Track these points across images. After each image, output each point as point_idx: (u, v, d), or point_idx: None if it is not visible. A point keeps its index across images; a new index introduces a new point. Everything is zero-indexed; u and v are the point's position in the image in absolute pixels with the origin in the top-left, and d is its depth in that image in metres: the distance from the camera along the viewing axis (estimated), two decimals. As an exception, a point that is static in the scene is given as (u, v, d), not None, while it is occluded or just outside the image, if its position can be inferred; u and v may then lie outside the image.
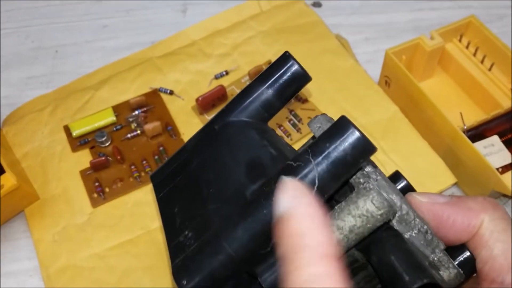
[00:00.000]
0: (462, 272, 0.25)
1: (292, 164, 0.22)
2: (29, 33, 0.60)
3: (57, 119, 0.51)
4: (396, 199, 0.24)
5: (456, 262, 0.26)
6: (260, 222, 0.21)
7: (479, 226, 0.25)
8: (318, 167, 0.21)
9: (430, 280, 0.22)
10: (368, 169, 0.24)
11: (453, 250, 0.26)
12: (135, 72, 0.54)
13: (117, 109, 0.51)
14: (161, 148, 0.49)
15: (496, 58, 0.50)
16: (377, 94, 0.51)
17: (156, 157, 0.48)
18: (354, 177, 0.23)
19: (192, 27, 0.57)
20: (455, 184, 0.47)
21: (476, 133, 0.47)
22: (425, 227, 0.25)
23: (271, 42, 0.55)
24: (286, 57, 0.27)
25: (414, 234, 0.25)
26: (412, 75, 0.48)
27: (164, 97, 0.52)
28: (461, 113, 0.48)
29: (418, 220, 0.25)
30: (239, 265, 0.22)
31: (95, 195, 0.46)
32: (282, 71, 0.26)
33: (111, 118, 0.50)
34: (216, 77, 0.53)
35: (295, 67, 0.26)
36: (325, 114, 0.27)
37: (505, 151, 0.45)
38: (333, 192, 0.22)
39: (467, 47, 0.52)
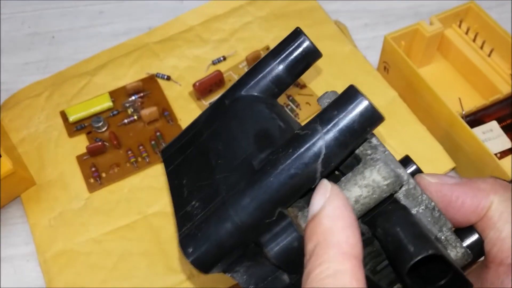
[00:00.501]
0: (469, 252, 0.25)
1: (300, 132, 0.22)
2: (24, 18, 0.60)
3: (53, 105, 0.51)
4: (403, 172, 0.24)
5: (464, 244, 0.25)
6: (266, 190, 0.21)
7: (488, 207, 0.25)
8: (326, 135, 0.21)
9: (435, 252, 0.21)
10: (376, 142, 0.24)
11: (461, 232, 0.26)
12: (132, 57, 0.54)
13: (114, 94, 0.51)
14: (158, 134, 0.48)
15: (495, 44, 0.50)
16: (376, 80, 0.51)
17: (152, 142, 0.48)
18: (361, 149, 0.23)
19: (189, 12, 0.56)
20: (453, 169, 0.46)
21: (475, 119, 0.47)
22: (433, 203, 0.24)
23: (269, 28, 0.55)
24: (297, 33, 0.26)
25: (421, 210, 0.24)
26: (411, 61, 0.47)
27: (161, 82, 0.52)
28: (459, 99, 0.48)
29: (425, 196, 0.24)
30: (245, 234, 0.22)
31: (92, 180, 0.46)
32: (293, 47, 0.26)
33: (107, 103, 0.50)
34: (214, 63, 0.53)
35: (306, 43, 0.26)
36: (335, 91, 0.26)
37: (504, 136, 0.45)
38: (340, 162, 0.22)
39: (466, 32, 0.52)
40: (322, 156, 0.21)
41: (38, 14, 0.60)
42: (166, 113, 0.50)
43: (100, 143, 0.47)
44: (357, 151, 0.23)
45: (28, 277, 0.44)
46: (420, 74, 0.46)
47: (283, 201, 0.22)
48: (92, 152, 0.47)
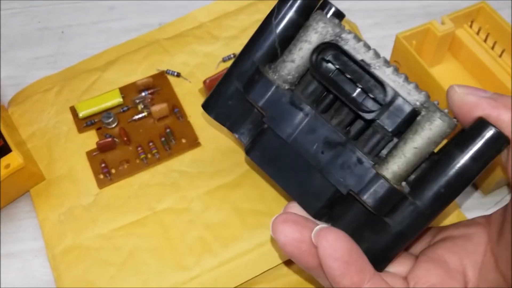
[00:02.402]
0: (452, 118, 0.25)
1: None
2: (35, 13, 0.60)
3: (63, 100, 0.51)
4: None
5: (482, 137, 0.24)
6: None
7: None
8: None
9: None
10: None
11: (471, 128, 0.25)
12: (142, 53, 0.53)
13: (124, 90, 0.51)
14: (167, 130, 0.48)
15: (506, 44, 0.50)
16: (386, 79, 0.51)
17: (162, 139, 0.48)
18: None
19: (200, 9, 0.56)
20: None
21: (486, 119, 0.46)
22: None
23: (280, 26, 0.55)
24: None
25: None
26: (422, 60, 0.47)
27: (171, 79, 0.52)
28: (471, 99, 0.48)
29: (388, 62, 0.30)
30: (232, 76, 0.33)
31: (101, 176, 0.46)
32: None
33: (117, 99, 0.50)
34: (224, 60, 0.53)
35: None
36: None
37: (516, 137, 0.45)
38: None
39: (477, 33, 0.52)
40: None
41: (49, 9, 0.60)
42: (176, 110, 0.49)
43: (110, 139, 0.47)
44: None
45: (37, 272, 0.44)
46: (431, 74, 0.46)
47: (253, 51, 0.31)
48: (102, 148, 0.47)
